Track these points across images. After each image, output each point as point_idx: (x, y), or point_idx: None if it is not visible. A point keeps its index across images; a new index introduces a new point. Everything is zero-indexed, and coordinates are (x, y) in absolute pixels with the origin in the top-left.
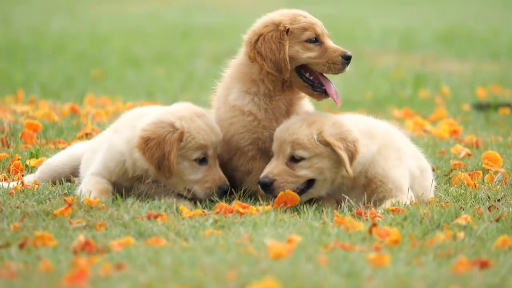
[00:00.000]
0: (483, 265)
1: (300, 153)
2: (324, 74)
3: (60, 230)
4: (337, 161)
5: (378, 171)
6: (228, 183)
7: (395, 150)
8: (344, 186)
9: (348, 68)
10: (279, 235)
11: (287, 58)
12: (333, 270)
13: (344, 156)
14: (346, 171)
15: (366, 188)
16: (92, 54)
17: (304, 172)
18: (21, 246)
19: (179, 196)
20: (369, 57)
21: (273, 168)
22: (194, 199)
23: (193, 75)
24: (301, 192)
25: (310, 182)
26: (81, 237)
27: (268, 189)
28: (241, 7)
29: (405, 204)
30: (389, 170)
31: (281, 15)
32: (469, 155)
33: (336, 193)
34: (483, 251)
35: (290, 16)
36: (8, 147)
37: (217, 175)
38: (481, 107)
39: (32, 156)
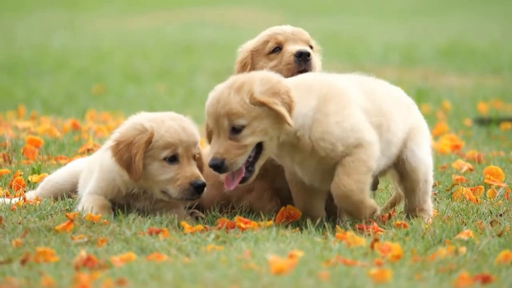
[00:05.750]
0: (485, 280)
1: (238, 122)
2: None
3: (62, 246)
4: (277, 117)
5: (318, 130)
6: (203, 179)
7: (339, 104)
8: (289, 144)
9: (311, 66)
10: (281, 251)
11: None
12: (334, 286)
13: (282, 110)
14: (288, 124)
15: (314, 154)
16: (94, 70)
17: (249, 139)
18: (23, 262)
19: (180, 211)
20: (370, 72)
21: (219, 147)
22: (194, 214)
23: (195, 91)
24: (255, 158)
25: (259, 146)
26: (83, 253)
27: (221, 169)
28: (243, 23)
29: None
30: (333, 126)
31: (255, 38)
32: (471, 170)
33: (285, 156)
34: (485, 266)
35: (258, 36)
36: (10, 163)
37: (189, 172)
38: (483, 122)
39: (34, 172)
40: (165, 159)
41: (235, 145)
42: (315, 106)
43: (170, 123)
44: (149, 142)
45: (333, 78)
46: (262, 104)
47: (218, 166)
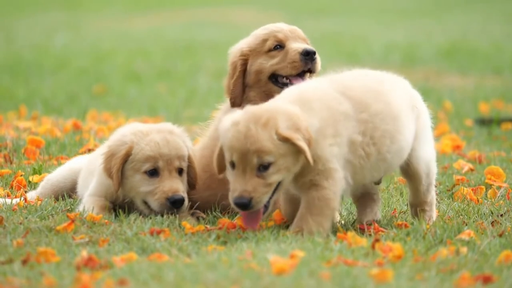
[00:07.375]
0: (486, 280)
1: (267, 159)
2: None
3: (63, 246)
4: (297, 153)
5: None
6: (181, 194)
7: (335, 130)
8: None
9: (316, 65)
10: (282, 251)
11: (231, 87)
12: (335, 286)
13: (304, 146)
14: (308, 160)
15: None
16: (95, 71)
17: (274, 177)
18: (24, 262)
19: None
20: None
21: (246, 185)
22: (195, 215)
23: (196, 91)
24: (273, 193)
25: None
26: (84, 253)
27: (248, 207)
28: (244, 23)
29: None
30: (326, 148)
31: (249, 38)
32: (472, 170)
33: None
34: (486, 266)
35: (251, 36)
36: (11, 163)
37: (167, 186)
38: (484, 122)
39: (35, 172)
40: (145, 172)
41: (262, 183)
42: (318, 128)
43: (152, 136)
44: (127, 155)
45: (330, 96)
46: (287, 140)
47: (246, 204)
